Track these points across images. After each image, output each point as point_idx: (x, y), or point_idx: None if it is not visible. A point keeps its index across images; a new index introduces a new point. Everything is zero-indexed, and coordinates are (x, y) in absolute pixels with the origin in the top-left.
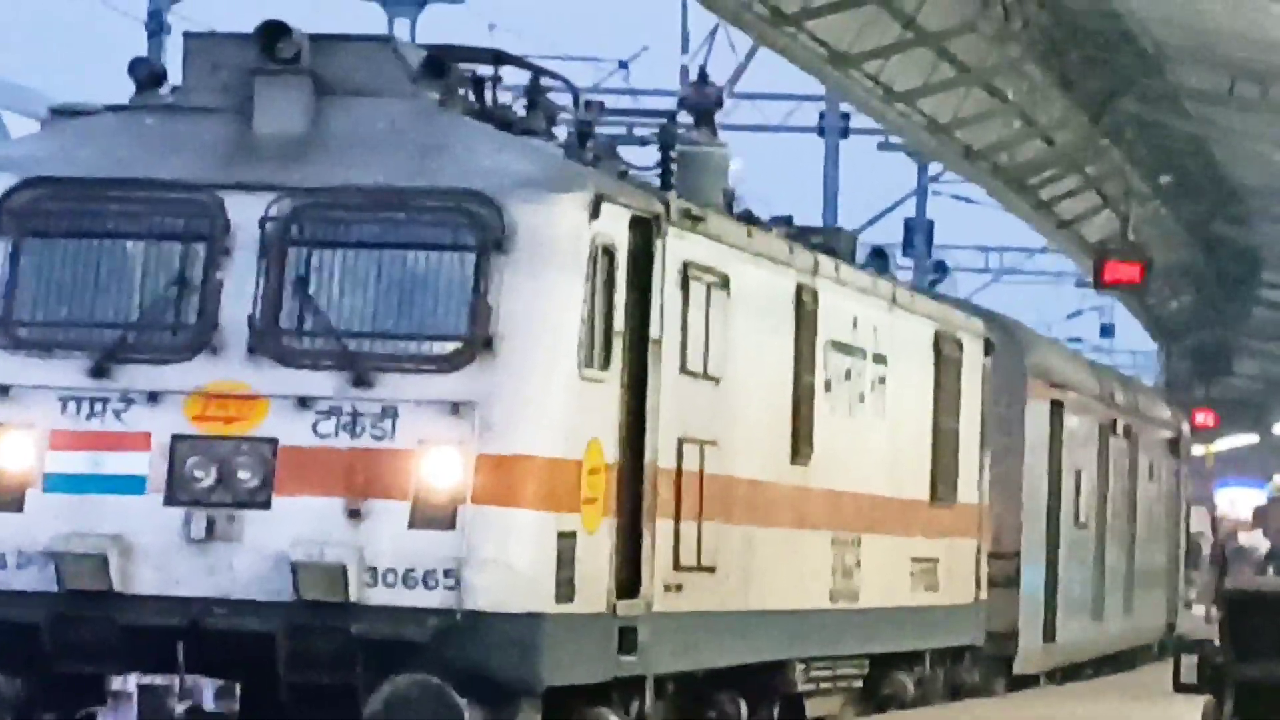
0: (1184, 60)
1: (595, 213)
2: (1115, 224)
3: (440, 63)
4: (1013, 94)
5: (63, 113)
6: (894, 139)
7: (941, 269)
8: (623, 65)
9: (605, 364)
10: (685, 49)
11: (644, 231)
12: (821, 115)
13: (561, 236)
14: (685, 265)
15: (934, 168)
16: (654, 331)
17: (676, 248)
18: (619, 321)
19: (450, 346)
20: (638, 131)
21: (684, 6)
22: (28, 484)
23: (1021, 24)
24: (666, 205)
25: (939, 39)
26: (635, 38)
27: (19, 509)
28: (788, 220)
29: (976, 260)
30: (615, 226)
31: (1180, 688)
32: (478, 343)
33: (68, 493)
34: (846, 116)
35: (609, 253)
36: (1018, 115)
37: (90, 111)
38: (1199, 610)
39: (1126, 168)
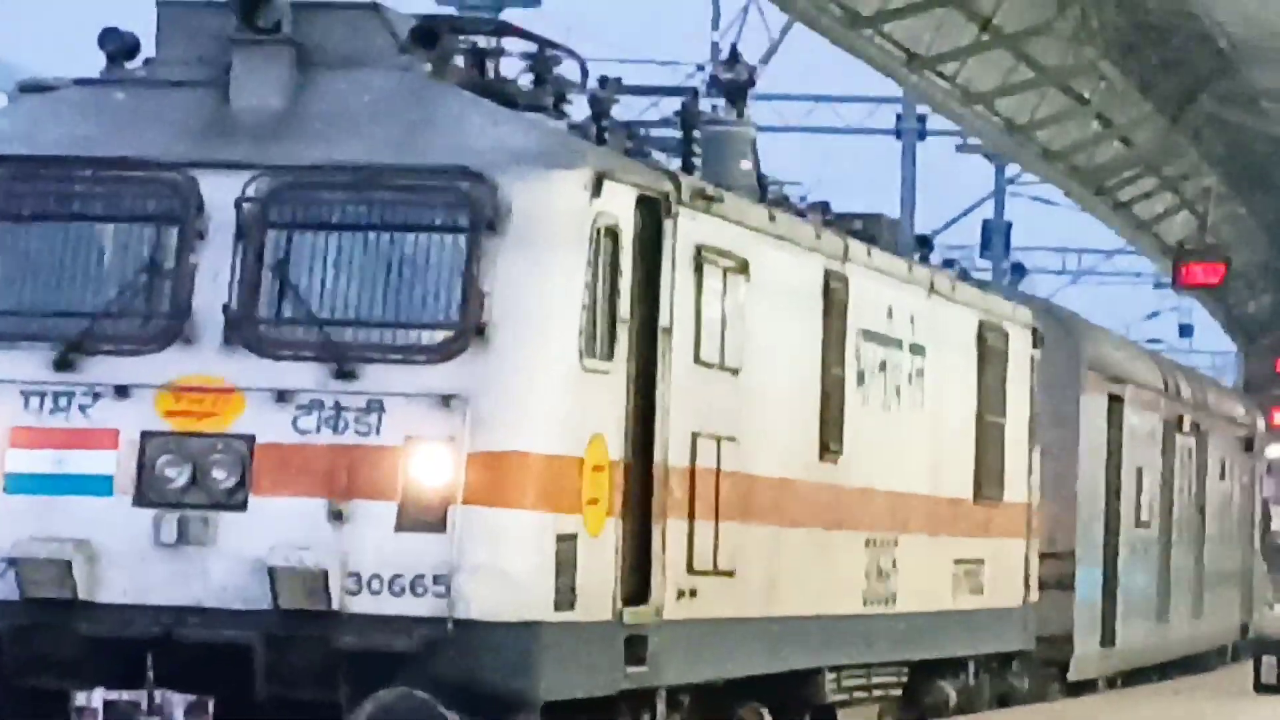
0: (1261, 60)
1: (597, 191)
2: (1193, 224)
3: (431, 32)
4: (1090, 95)
5: (30, 89)
6: (972, 140)
7: (1019, 270)
8: (700, 69)
9: (609, 354)
10: (716, 26)
11: (652, 212)
12: (898, 117)
13: (560, 216)
14: (699, 248)
15: (1012, 169)
16: (664, 319)
17: (689, 229)
18: (624, 308)
19: (440, 335)
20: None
21: None
22: None
23: (1098, 25)
24: (677, 184)
25: (1016, 40)
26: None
27: None
28: (824, 206)
29: (1054, 262)
30: (620, 206)
31: (1261, 688)
32: (469, 331)
33: (30, 494)
34: (923, 119)
35: (613, 234)
36: (1095, 116)
37: (57, 86)
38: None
39: (1204, 168)
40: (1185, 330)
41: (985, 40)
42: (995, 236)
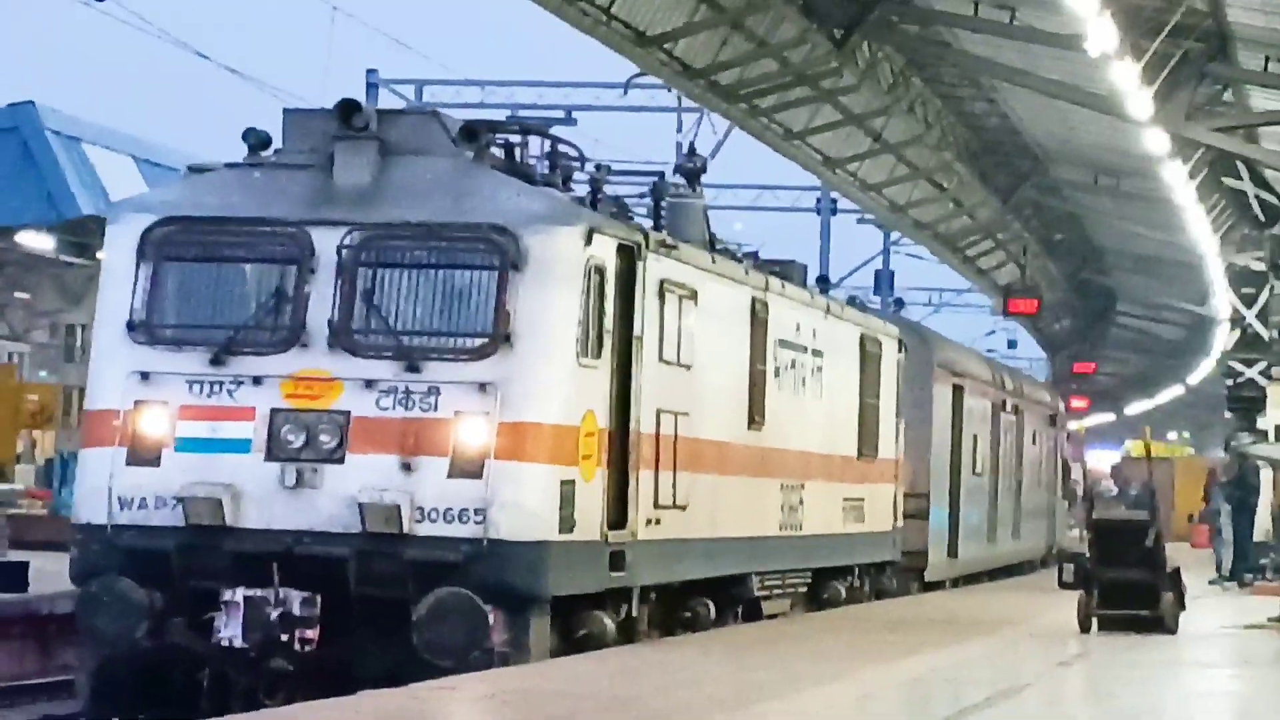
0: (1063, 162)
1: (588, 241)
2: (1017, 273)
3: (474, 130)
4: (947, 185)
5: (196, 170)
6: (867, 216)
7: (900, 303)
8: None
9: (598, 354)
10: (680, 129)
11: (629, 256)
12: (818, 200)
13: (562, 258)
14: (662, 281)
15: (894, 235)
16: (637, 330)
17: (654, 268)
18: (609, 323)
19: (479, 341)
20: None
21: (678, 99)
22: (163, 446)
23: (953, 138)
24: (646, 236)
25: (897, 148)
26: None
27: (157, 464)
28: (755, 254)
29: (924, 297)
30: (605, 251)
31: (1063, 585)
32: (499, 338)
33: (193, 452)
34: (835, 201)
35: (600, 271)
36: (951, 200)
37: (213, 168)
38: (1075, 533)
39: (1025, 235)
40: (1011, 343)
41: (876, 148)
42: (883, 281)
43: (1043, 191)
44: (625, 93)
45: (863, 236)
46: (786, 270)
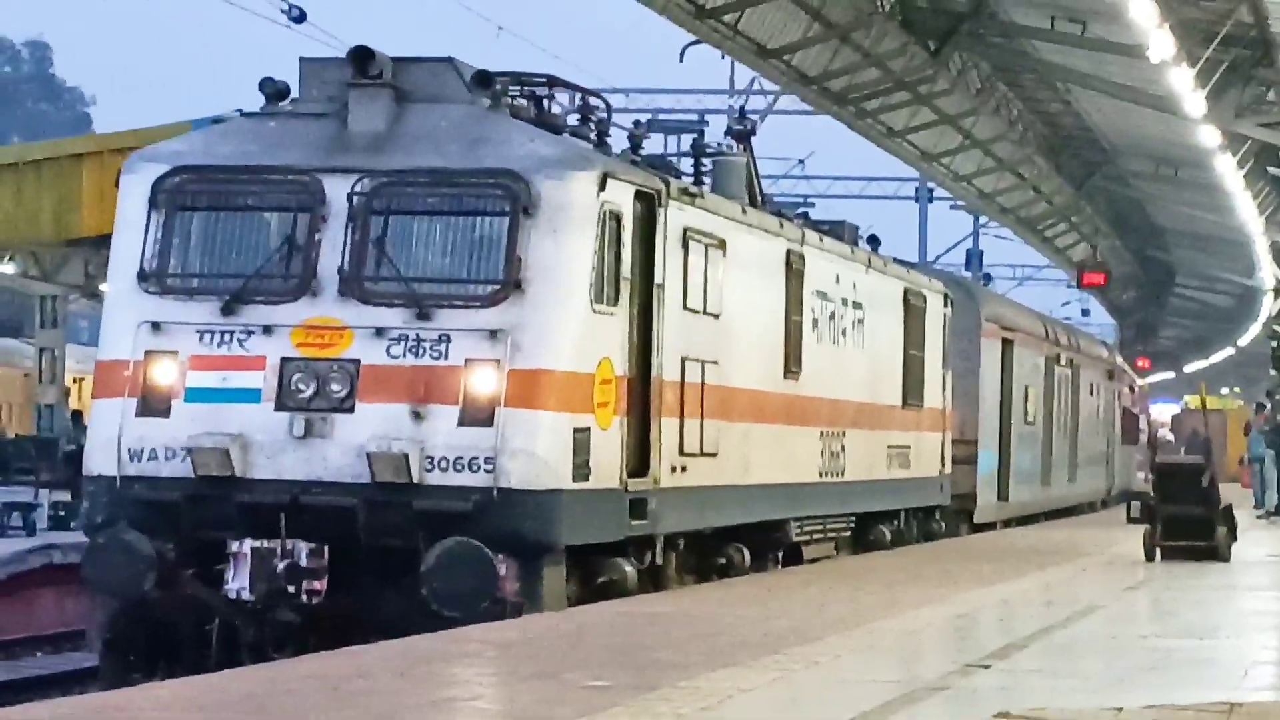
0: (1129, 154)
1: (603, 186)
2: (1089, 250)
3: (489, 76)
4: (1028, 175)
5: (215, 121)
6: (959, 203)
7: (988, 278)
8: (800, 162)
9: (615, 301)
10: (732, 93)
11: (648, 203)
12: (916, 189)
13: (575, 204)
14: (685, 230)
15: (983, 219)
16: (659, 278)
17: (677, 216)
18: (626, 270)
19: (490, 288)
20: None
21: (731, 65)
22: (173, 396)
23: (1033, 134)
24: (667, 184)
25: (984, 144)
26: (809, 142)
27: (166, 415)
28: (805, 214)
29: (1009, 273)
30: (621, 197)
31: (1130, 520)
32: (510, 285)
33: (202, 403)
34: (931, 190)
35: (616, 217)
36: (1031, 187)
37: (227, 118)
38: (1141, 475)
39: (1095, 217)
40: (1085, 312)
41: (966, 144)
42: (973, 258)
43: (1111, 180)
44: (681, 60)
45: (955, 220)
46: (836, 229)
